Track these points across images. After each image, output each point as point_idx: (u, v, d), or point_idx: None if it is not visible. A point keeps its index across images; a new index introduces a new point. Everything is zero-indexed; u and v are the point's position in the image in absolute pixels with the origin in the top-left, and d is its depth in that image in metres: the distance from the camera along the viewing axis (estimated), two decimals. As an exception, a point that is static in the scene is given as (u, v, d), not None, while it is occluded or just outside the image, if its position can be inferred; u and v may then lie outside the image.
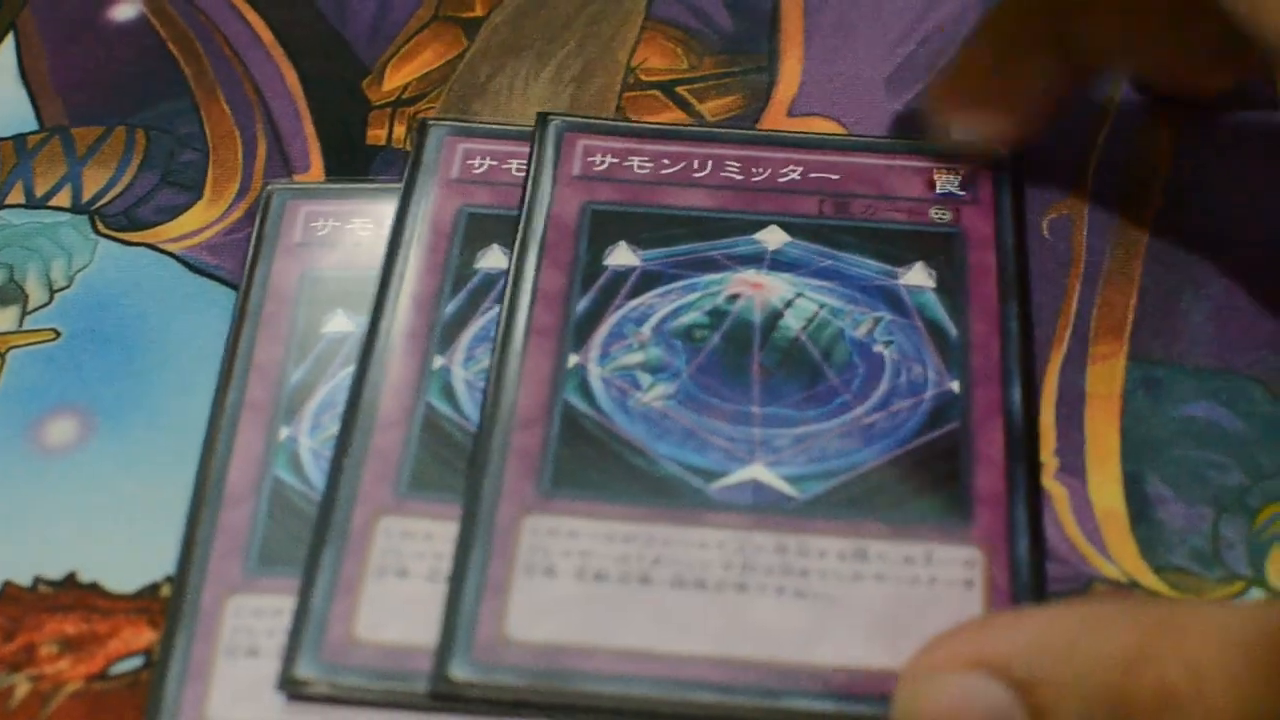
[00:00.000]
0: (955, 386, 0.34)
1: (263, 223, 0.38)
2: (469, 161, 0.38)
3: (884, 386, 0.34)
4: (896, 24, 0.42)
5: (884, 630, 0.31)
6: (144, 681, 0.32)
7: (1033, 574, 0.32)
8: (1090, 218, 0.38)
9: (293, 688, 0.31)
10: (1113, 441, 0.34)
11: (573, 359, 0.35)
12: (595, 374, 0.35)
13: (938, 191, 0.37)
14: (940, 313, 0.35)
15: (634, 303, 0.36)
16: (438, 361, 0.35)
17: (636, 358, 0.35)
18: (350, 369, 0.35)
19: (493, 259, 0.37)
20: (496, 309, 0.36)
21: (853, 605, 0.31)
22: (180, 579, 0.33)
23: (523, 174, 0.38)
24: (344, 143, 0.41)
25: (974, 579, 0.32)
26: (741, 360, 0.35)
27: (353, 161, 0.40)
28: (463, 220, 0.37)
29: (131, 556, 0.34)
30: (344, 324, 0.36)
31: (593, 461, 0.33)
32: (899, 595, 0.31)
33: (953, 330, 0.35)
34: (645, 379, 0.35)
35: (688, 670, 0.31)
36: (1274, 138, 0.39)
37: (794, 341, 0.35)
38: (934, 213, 0.37)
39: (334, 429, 0.34)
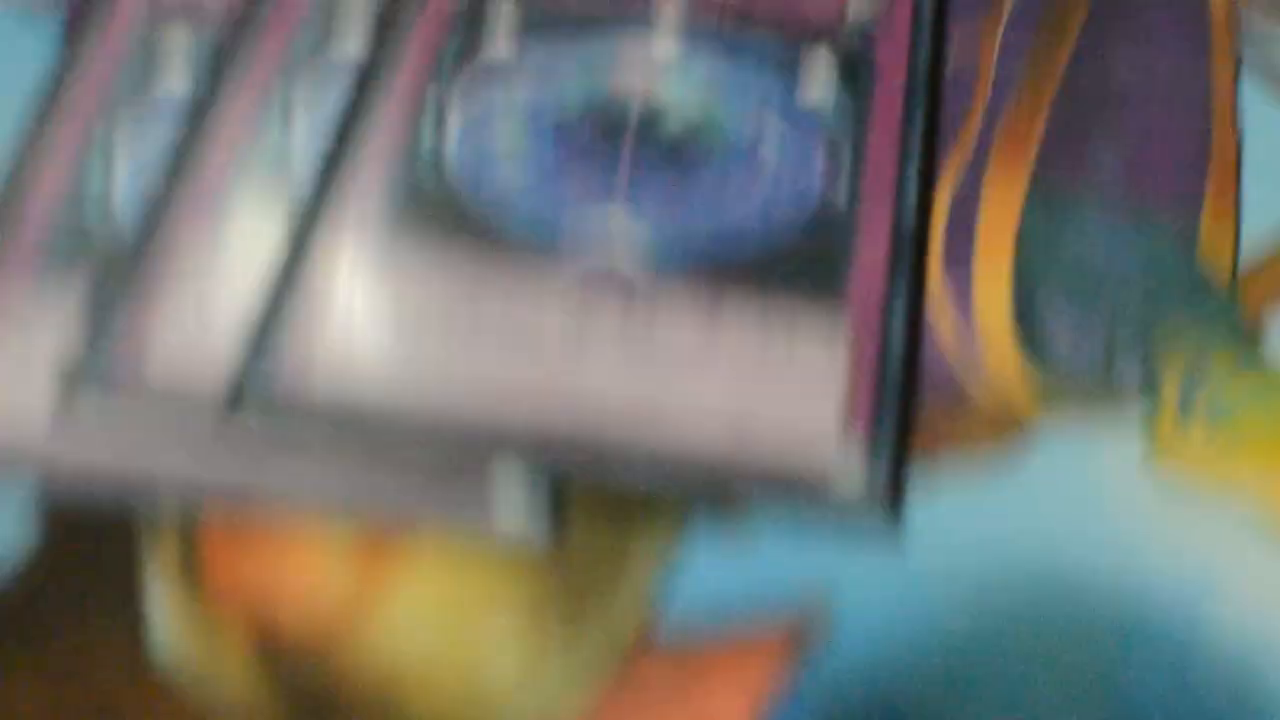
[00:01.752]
0: (840, 200, 0.33)
1: None
2: None
3: (764, 193, 0.33)
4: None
5: (736, 389, 0.30)
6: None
7: (904, 352, 0.31)
8: (1005, 39, 0.36)
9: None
10: (1004, 256, 0.33)
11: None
12: (453, 152, 0.33)
13: (850, 19, 0.36)
14: (837, 131, 0.34)
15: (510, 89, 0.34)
16: None
17: (502, 143, 0.34)
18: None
19: None
20: None
21: (704, 367, 0.31)
22: None
23: None
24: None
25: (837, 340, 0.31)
26: (612, 154, 0.33)
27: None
28: None
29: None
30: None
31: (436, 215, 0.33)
32: (757, 357, 0.31)
33: (846, 147, 0.34)
34: (506, 167, 0.33)
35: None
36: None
37: (672, 138, 0.34)
38: (845, 37, 0.36)
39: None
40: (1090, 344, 0.32)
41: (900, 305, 0.32)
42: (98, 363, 0.30)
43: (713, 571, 0.30)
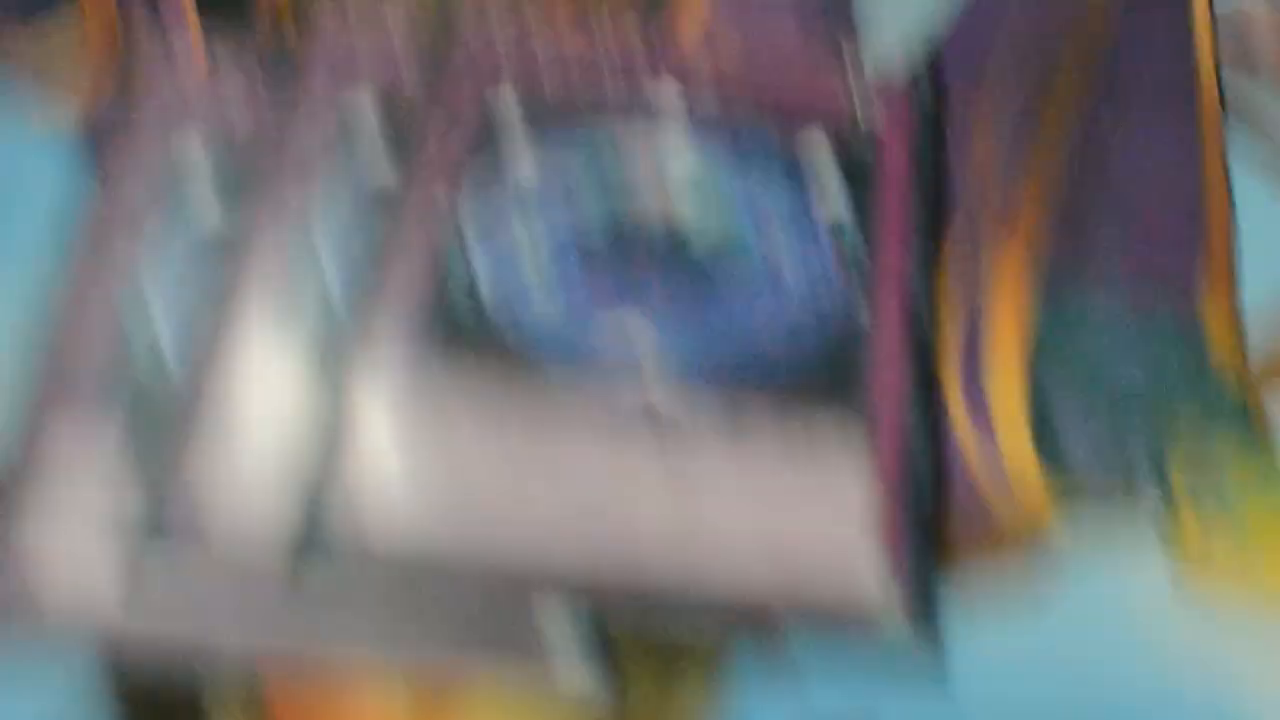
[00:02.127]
0: (864, 319, 0.33)
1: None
2: None
3: (790, 315, 0.33)
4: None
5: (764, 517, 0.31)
6: None
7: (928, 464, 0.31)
8: (996, 135, 0.37)
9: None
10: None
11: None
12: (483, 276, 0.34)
13: (860, 128, 0.36)
14: (855, 244, 0.34)
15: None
16: None
17: (526, 267, 0.34)
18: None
19: None
20: None
21: (730, 493, 0.31)
22: None
23: None
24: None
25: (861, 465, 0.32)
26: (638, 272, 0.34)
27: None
28: None
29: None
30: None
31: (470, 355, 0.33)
32: (781, 478, 0.31)
33: (865, 261, 0.34)
34: (535, 292, 0.34)
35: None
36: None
37: (698, 265, 0.34)
38: (855, 147, 0.36)
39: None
40: (1102, 442, 0.33)
41: (920, 423, 0.32)
42: (157, 519, 0.30)
43: (759, 713, 0.30)
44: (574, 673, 0.29)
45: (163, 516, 0.30)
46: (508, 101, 0.35)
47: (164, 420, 0.30)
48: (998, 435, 0.33)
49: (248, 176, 0.34)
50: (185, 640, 0.29)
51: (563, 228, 0.34)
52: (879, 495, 0.31)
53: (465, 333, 0.32)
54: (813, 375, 0.32)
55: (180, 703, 0.29)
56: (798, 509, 0.31)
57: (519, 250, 0.33)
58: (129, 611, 0.29)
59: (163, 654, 0.29)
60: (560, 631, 0.30)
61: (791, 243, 0.34)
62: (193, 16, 0.37)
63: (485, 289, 0.33)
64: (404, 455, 0.31)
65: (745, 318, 0.33)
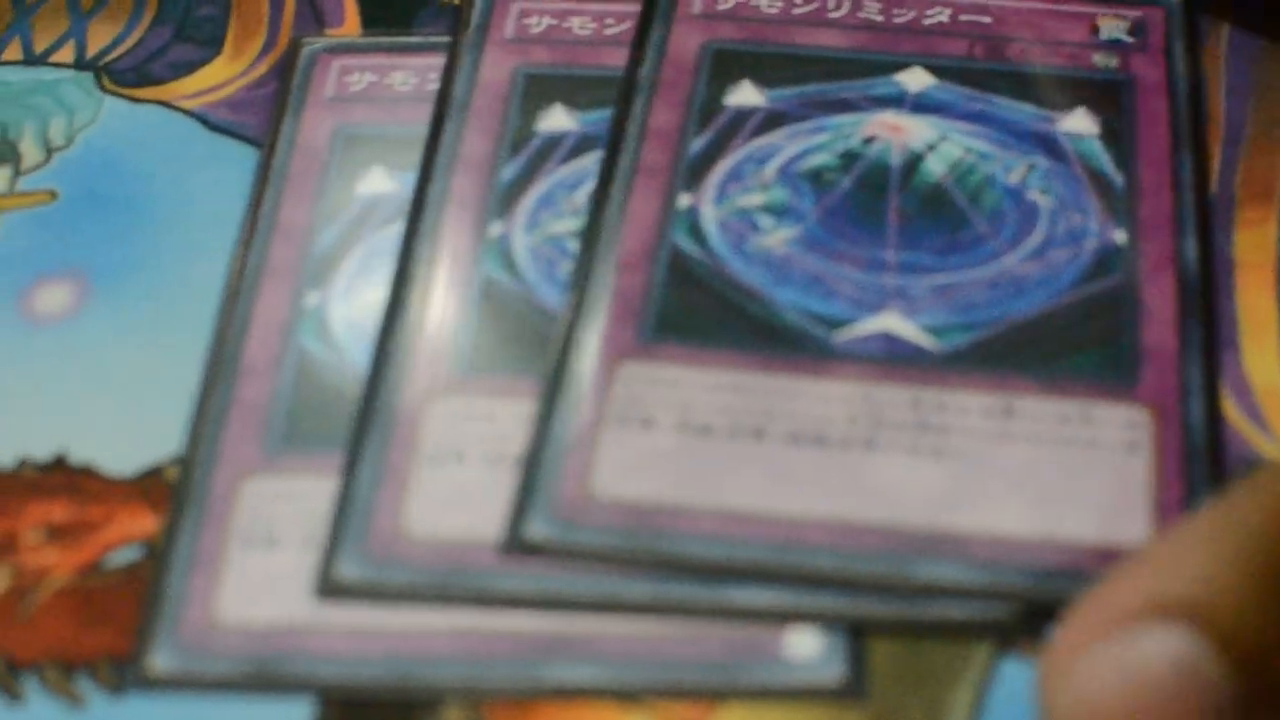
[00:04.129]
0: (1120, 237, 0.30)
1: (289, 78, 0.34)
2: (525, 21, 0.34)
3: (1039, 235, 0.30)
4: None
5: (1034, 496, 0.27)
6: (144, 575, 0.27)
7: (1208, 439, 0.28)
8: (1227, 80, 0.34)
9: (335, 590, 0.26)
10: (1269, 312, 0.30)
11: (684, 199, 0.31)
12: (710, 215, 0.31)
13: (1102, 38, 0.34)
14: (1104, 161, 0.31)
15: (757, 142, 0.32)
16: (496, 229, 0.31)
17: (757, 199, 0.31)
18: (390, 229, 0.31)
19: (555, 120, 0.32)
20: (560, 171, 0.32)
21: (998, 467, 0.27)
22: (189, 459, 0.28)
23: (584, 33, 0.34)
24: (383, -7, 0.36)
25: (1139, 441, 0.27)
26: (876, 205, 0.31)
27: (392, 15, 0.35)
28: (519, 81, 0.33)
29: (131, 436, 0.29)
30: (382, 183, 0.32)
31: (702, 307, 0.29)
32: (1052, 458, 0.27)
33: (1118, 179, 0.31)
34: (766, 221, 0.31)
35: (803, 534, 0.27)
36: None
37: (937, 187, 0.31)
38: (1098, 58, 0.33)
39: (370, 295, 0.30)
40: None
41: (1197, 367, 0.29)
42: (355, 533, 0.27)
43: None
44: (818, 672, 0.26)
45: (364, 528, 0.27)
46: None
47: (357, 438, 0.28)
48: (1264, 413, 0.30)
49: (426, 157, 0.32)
50: (395, 657, 0.26)
51: (795, 160, 0.32)
52: (1156, 454, 0.27)
53: (701, 286, 0.30)
54: (1074, 308, 0.29)
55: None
56: (1068, 477, 0.27)
57: (748, 183, 0.31)
58: (333, 638, 0.26)
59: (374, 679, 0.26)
60: (804, 631, 0.26)
61: (1040, 162, 0.31)
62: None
63: (713, 234, 0.30)
64: (632, 432, 0.28)
65: (995, 245, 0.30)
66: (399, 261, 0.30)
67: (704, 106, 0.33)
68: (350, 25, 0.35)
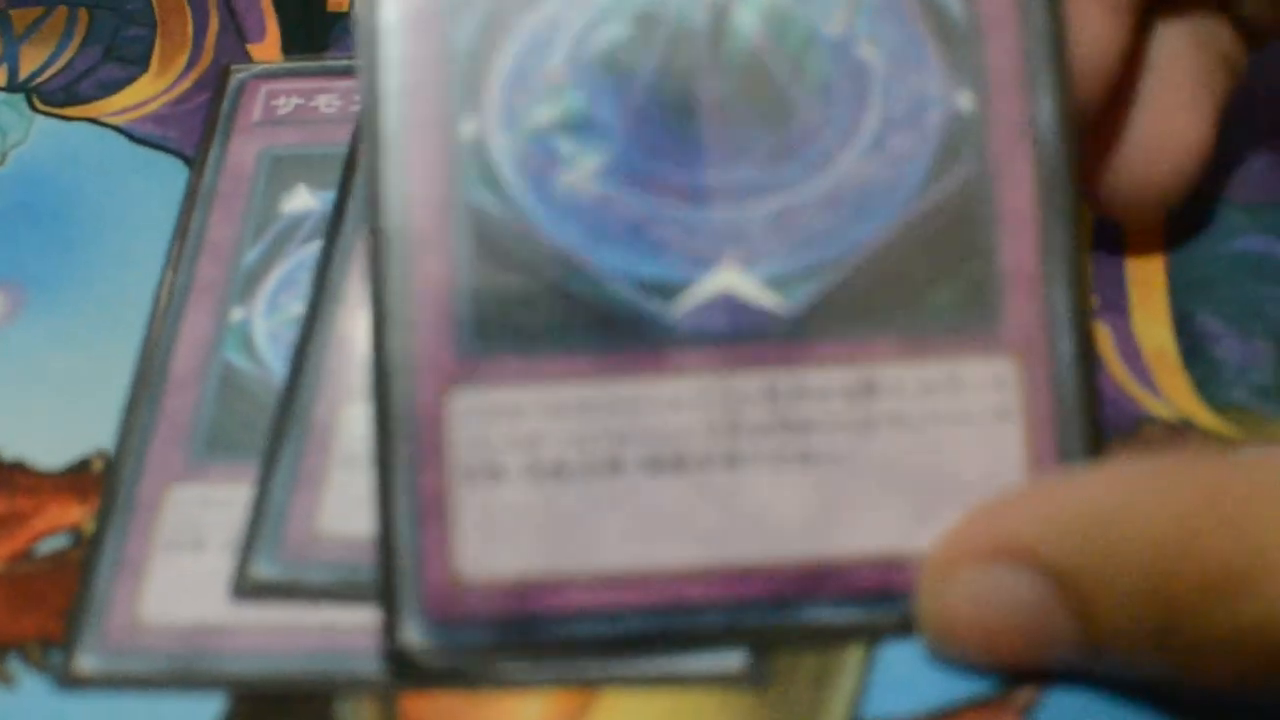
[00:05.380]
0: (966, 101, 0.26)
1: (218, 103, 0.35)
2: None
3: (874, 114, 0.26)
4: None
5: (909, 498, 0.25)
6: (71, 562, 0.28)
7: (1080, 392, 0.25)
8: None
9: (251, 589, 0.27)
10: (1157, 278, 0.31)
11: (467, 127, 0.26)
12: (502, 147, 0.26)
13: None
14: None
15: (533, 19, 0.26)
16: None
17: (551, 111, 0.26)
18: (313, 246, 0.32)
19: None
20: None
21: (867, 466, 0.25)
22: (116, 466, 0.29)
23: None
24: (302, 10, 0.37)
25: (1008, 406, 0.25)
26: (688, 95, 0.26)
27: (311, 30, 0.37)
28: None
29: (60, 433, 0.30)
30: (306, 201, 0.33)
31: (520, 290, 0.25)
32: (921, 443, 0.25)
33: (956, 7, 0.26)
34: (567, 146, 0.26)
35: (684, 590, 0.25)
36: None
37: (753, 54, 0.26)
38: None
39: (293, 309, 0.31)
40: (1257, 369, 0.30)
41: (1063, 297, 0.25)
42: (270, 534, 0.28)
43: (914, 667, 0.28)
44: (719, 662, 0.26)
45: (278, 532, 0.28)
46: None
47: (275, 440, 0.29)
48: (1153, 375, 0.30)
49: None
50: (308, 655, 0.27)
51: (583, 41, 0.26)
52: (1027, 408, 0.25)
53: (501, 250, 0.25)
54: (928, 248, 0.26)
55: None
56: (945, 480, 0.25)
57: (542, 108, 0.26)
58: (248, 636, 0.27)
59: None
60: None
61: (871, 19, 0.26)
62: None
63: (512, 180, 0.26)
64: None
65: (831, 155, 0.26)
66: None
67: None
68: (271, 40, 0.37)
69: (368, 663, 0.26)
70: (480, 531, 0.25)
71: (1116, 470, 0.24)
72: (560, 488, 0.25)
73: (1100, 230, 0.32)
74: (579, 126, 0.26)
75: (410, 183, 0.25)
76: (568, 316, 0.25)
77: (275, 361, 0.30)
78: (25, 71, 0.37)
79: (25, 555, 0.29)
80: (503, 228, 0.25)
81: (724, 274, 0.25)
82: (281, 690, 0.26)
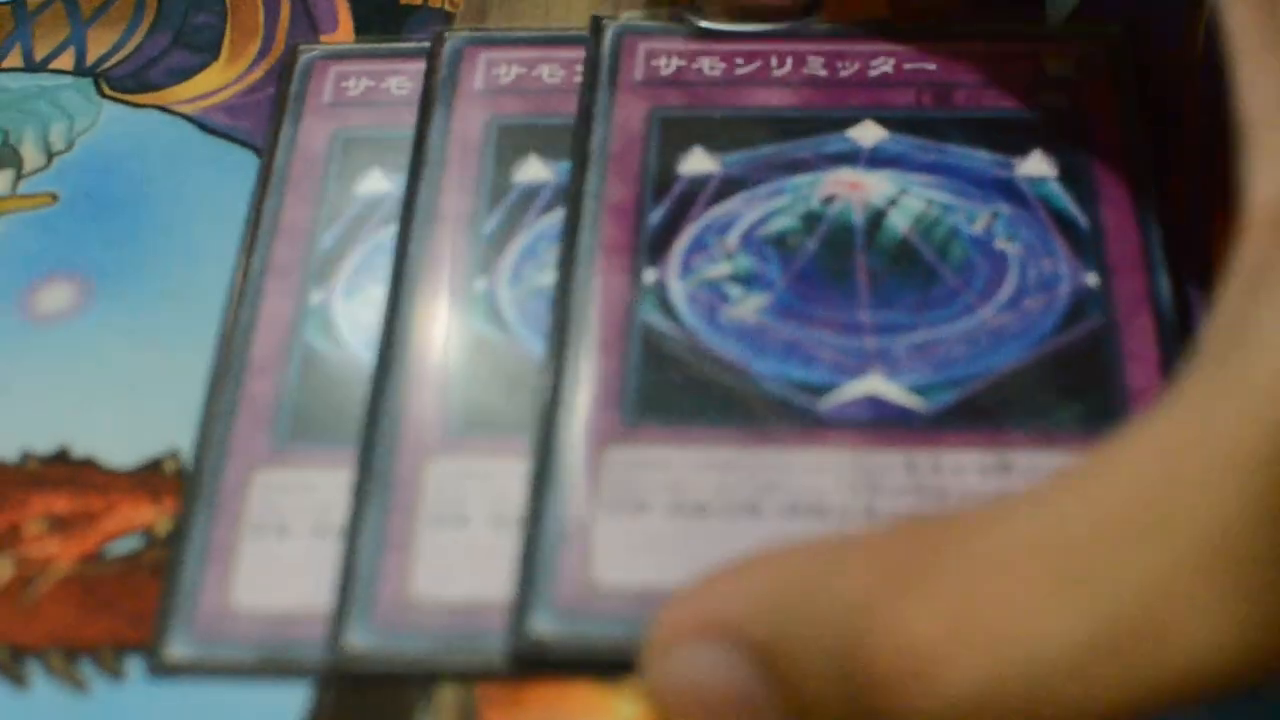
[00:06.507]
0: (1092, 280, 0.30)
1: (287, 84, 0.34)
2: (494, 71, 0.34)
3: (1011, 284, 0.30)
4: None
5: None
6: (145, 564, 0.28)
7: None
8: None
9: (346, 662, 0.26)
10: None
11: (649, 275, 0.30)
12: (677, 289, 0.30)
13: (1050, 75, 0.33)
14: (1066, 202, 0.31)
15: (715, 211, 0.31)
16: (480, 284, 0.31)
17: (723, 269, 0.30)
18: (389, 229, 0.31)
19: (531, 171, 0.32)
20: (540, 223, 0.32)
21: None
22: (200, 454, 0.28)
23: (554, 81, 0.34)
24: (375, 1, 0.36)
25: None
26: (844, 266, 0.30)
27: (385, 21, 0.36)
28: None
29: (131, 430, 0.29)
30: (380, 184, 0.32)
31: (681, 385, 0.29)
32: None
33: (1082, 219, 0.31)
34: (735, 291, 0.30)
35: None
36: None
37: (902, 243, 0.31)
38: (1047, 97, 0.33)
39: (372, 292, 0.30)
40: None
41: None
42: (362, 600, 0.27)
43: None
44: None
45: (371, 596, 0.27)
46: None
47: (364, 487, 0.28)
48: None
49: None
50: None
51: (756, 223, 0.31)
52: None
53: (674, 357, 0.29)
54: (1056, 354, 0.29)
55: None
56: None
57: (712, 250, 0.31)
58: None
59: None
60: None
61: (1004, 210, 0.31)
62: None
63: (684, 313, 0.30)
64: (618, 531, 0.27)
65: (968, 298, 0.30)
66: (384, 327, 0.30)
67: (658, 178, 0.32)
68: (344, 31, 0.36)
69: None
70: (617, 550, 0.27)
71: (826, 541, 0.23)
72: (700, 523, 0.27)
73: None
74: (746, 280, 0.30)
75: (597, 310, 0.30)
76: (723, 403, 0.29)
77: (356, 344, 0.30)
78: (93, 56, 0.36)
79: (97, 556, 0.28)
80: (671, 340, 0.30)
81: (870, 380, 0.29)
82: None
